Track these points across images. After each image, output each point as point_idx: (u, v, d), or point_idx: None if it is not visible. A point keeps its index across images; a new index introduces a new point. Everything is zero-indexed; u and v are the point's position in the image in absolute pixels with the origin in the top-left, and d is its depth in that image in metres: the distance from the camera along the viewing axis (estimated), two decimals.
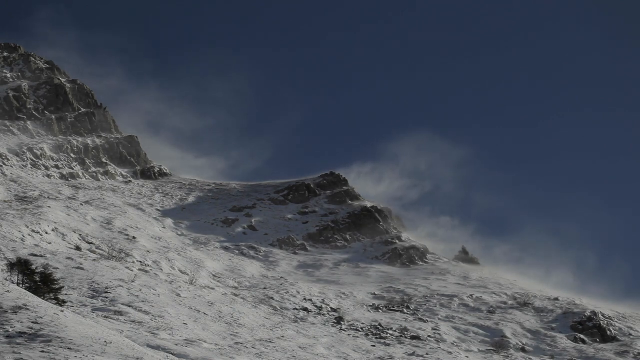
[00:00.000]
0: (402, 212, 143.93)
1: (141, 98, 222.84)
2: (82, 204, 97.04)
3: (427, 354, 61.14)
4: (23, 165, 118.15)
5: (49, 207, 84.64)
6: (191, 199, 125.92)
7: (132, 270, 60.01)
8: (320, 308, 75.87)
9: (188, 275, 76.29)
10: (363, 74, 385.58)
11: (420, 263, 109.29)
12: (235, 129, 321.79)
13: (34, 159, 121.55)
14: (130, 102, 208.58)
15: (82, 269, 53.75)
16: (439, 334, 72.49)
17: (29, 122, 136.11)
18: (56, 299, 39.20)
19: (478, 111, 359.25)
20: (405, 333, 70.12)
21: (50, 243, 68.78)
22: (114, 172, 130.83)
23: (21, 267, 40.00)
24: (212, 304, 57.56)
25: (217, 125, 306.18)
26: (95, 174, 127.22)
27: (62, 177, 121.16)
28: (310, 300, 77.87)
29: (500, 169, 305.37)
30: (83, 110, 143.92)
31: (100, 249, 73.84)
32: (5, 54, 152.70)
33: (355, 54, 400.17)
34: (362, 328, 70.06)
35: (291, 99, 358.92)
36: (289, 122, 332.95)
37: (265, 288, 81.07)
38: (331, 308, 76.74)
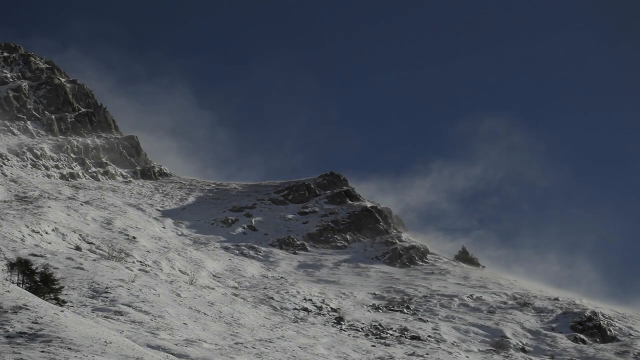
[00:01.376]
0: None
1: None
2: (82, 204, 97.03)
3: (427, 354, 61.11)
4: (23, 165, 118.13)
5: (49, 207, 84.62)
6: (191, 199, 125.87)
7: (132, 270, 60.03)
8: (320, 308, 75.83)
9: (188, 275, 76.26)
10: (367, 75, 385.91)
11: (420, 263, 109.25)
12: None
13: (34, 159, 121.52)
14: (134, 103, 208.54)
15: (82, 269, 53.78)
16: (439, 334, 72.46)
17: (29, 122, 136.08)
18: (56, 299, 39.22)
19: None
20: (405, 333, 70.09)
21: (50, 243, 68.79)
22: (114, 172, 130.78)
23: (21, 267, 40.03)
24: (212, 304, 57.56)
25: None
26: (95, 174, 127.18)
27: (62, 177, 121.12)
28: (310, 300, 77.84)
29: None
30: (83, 110, 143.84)
31: (100, 249, 73.83)
32: (5, 54, 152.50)
33: (364, 54, 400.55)
34: (362, 328, 70.02)
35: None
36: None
37: (265, 288, 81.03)
38: (331, 308, 76.70)
